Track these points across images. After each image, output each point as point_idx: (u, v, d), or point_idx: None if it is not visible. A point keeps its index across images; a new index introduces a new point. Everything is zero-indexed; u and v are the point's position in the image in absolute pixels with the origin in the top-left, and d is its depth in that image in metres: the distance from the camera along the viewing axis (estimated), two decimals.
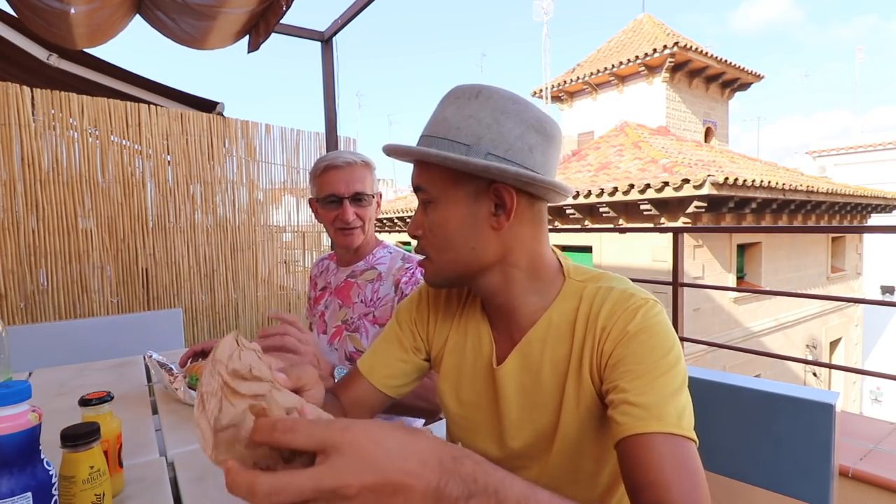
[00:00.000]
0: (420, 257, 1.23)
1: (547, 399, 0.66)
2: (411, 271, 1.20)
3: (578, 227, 7.20)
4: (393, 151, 0.67)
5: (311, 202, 1.31)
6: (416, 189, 0.67)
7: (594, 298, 0.65)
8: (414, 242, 0.74)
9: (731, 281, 7.24)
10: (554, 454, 0.66)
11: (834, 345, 9.81)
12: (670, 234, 2.60)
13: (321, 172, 1.22)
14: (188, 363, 1.20)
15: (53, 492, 0.54)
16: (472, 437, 0.75)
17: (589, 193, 7.29)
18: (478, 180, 0.63)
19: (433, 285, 0.73)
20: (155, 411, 1.06)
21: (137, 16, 2.09)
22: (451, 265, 0.67)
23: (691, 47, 10.15)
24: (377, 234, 1.35)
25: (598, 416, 0.64)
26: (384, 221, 12.71)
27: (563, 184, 0.64)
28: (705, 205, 6.35)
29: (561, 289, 0.68)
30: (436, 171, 0.64)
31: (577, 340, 0.64)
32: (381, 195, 1.30)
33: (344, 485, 0.32)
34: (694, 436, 0.55)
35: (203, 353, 1.25)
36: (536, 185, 0.62)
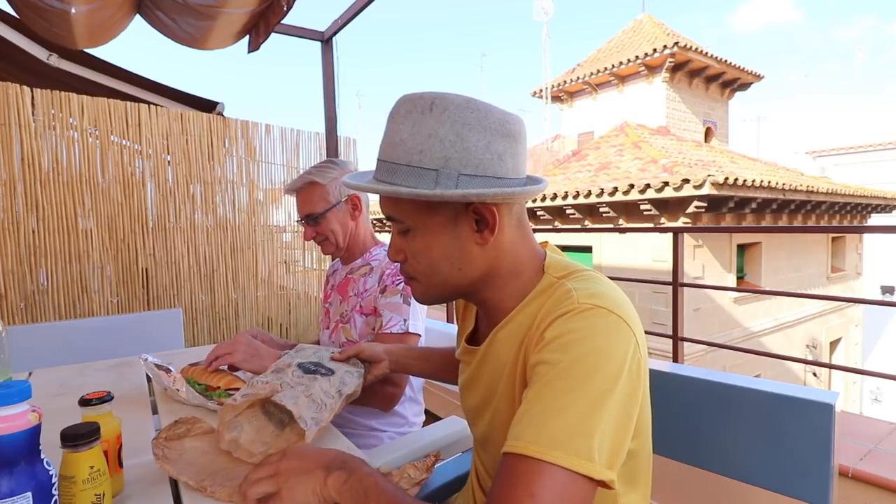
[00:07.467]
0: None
1: (501, 392, 0.67)
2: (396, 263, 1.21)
3: (578, 227, 7.19)
4: (356, 188, 0.65)
5: None
6: (389, 218, 0.65)
7: (555, 297, 0.61)
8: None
9: (731, 281, 7.24)
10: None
11: (834, 345, 9.81)
12: (670, 235, 2.59)
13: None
14: (187, 366, 1.18)
15: (53, 492, 0.54)
16: (469, 416, 0.79)
17: (589, 193, 7.29)
18: (455, 203, 0.61)
19: (425, 303, 0.73)
20: (155, 411, 1.06)
21: (137, 16, 2.09)
22: (440, 287, 0.67)
23: (691, 47, 10.14)
24: (377, 234, 1.38)
25: None
26: (384, 222, 12.69)
27: (540, 186, 0.63)
28: (705, 205, 6.35)
29: (537, 286, 0.66)
30: (406, 201, 0.61)
31: (526, 339, 0.62)
32: (359, 199, 1.31)
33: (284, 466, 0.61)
34: (576, 463, 0.49)
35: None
36: (516, 195, 0.60)
